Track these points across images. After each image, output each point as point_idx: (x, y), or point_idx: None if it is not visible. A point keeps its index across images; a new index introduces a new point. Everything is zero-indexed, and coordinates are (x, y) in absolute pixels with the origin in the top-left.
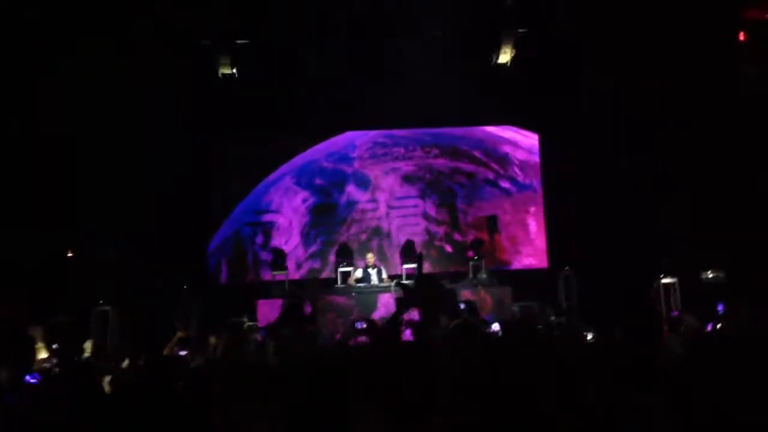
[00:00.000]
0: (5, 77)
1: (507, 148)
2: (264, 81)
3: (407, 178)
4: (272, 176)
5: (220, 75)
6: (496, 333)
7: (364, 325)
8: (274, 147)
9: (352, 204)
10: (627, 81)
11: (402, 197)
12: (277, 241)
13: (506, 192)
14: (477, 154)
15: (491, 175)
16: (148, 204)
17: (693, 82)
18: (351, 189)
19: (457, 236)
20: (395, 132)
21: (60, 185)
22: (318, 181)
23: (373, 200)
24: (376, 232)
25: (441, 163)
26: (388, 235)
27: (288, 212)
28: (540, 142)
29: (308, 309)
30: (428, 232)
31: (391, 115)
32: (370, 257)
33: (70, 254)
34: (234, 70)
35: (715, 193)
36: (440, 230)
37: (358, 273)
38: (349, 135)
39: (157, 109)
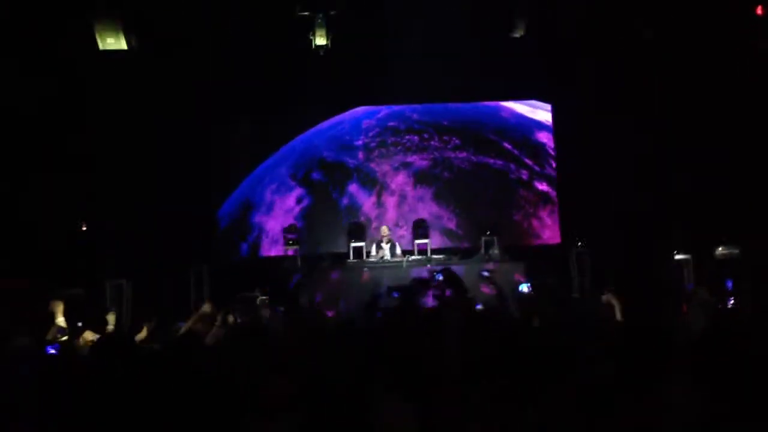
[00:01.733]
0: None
1: (542, 137)
2: (269, 52)
3: (422, 177)
4: (269, 161)
5: (314, 46)
6: (526, 293)
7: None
8: (277, 123)
9: (354, 209)
10: (643, 53)
11: (415, 204)
12: (264, 252)
13: (544, 197)
14: (507, 145)
15: (525, 174)
16: (160, 177)
17: (709, 53)
18: (354, 189)
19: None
20: (407, 111)
21: (73, 159)
22: (316, 175)
23: (380, 205)
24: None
25: (463, 157)
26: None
27: (279, 215)
28: (553, 113)
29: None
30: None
31: (399, 88)
32: (385, 230)
33: (84, 228)
34: (328, 42)
35: (730, 167)
36: None
37: (372, 249)
38: (355, 116)
39: (164, 84)
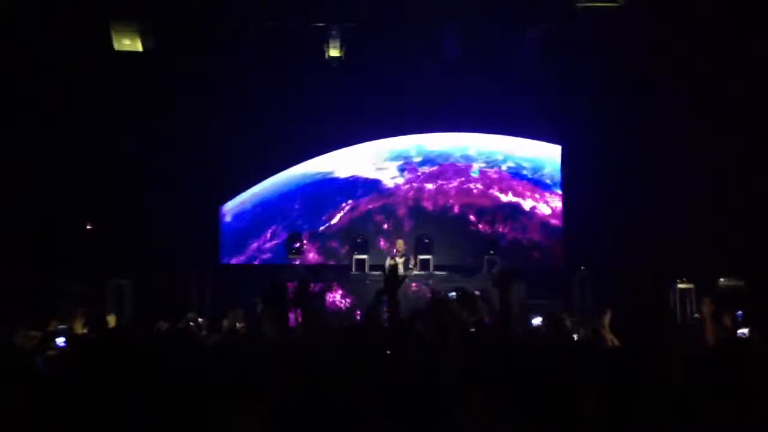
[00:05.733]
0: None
1: None
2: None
3: None
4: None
5: (327, 57)
6: (538, 327)
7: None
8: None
9: None
10: (645, 85)
11: None
12: None
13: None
14: None
15: None
16: (166, 177)
17: (715, 88)
18: None
19: None
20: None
21: (82, 162)
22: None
23: None
24: None
25: None
26: None
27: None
28: (562, 153)
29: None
30: None
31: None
32: (400, 244)
33: (89, 227)
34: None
35: (735, 200)
36: None
37: (386, 262)
38: (292, 221)
39: (174, 83)
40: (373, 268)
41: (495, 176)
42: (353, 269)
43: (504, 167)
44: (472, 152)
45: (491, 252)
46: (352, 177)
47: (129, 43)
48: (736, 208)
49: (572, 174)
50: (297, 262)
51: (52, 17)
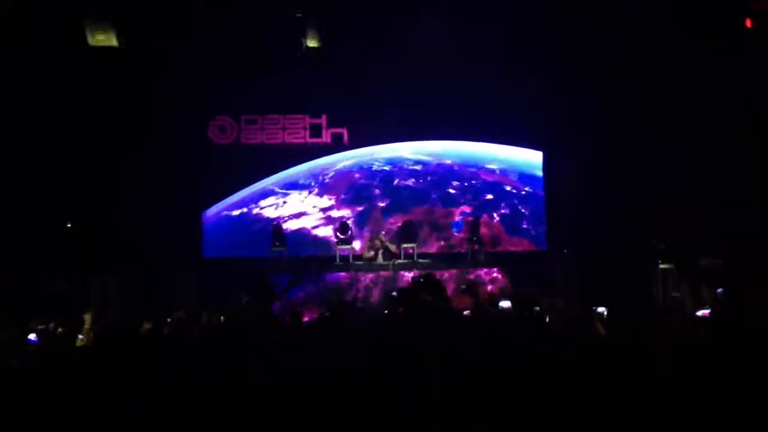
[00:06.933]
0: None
1: None
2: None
3: None
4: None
5: (305, 48)
6: (506, 310)
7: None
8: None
9: None
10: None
11: None
12: None
13: None
14: None
15: None
16: (150, 176)
17: (694, 69)
18: None
19: None
20: None
21: (64, 160)
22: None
23: None
24: None
25: None
26: None
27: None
28: (544, 158)
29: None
30: None
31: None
32: (378, 242)
33: (69, 225)
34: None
35: (715, 179)
36: None
37: (369, 254)
38: None
39: (159, 82)
40: (357, 259)
41: (486, 231)
42: (337, 260)
43: (496, 215)
44: (453, 189)
45: (474, 238)
46: (298, 231)
47: (103, 39)
48: (716, 192)
49: (554, 161)
50: (279, 255)
51: (50, 15)
